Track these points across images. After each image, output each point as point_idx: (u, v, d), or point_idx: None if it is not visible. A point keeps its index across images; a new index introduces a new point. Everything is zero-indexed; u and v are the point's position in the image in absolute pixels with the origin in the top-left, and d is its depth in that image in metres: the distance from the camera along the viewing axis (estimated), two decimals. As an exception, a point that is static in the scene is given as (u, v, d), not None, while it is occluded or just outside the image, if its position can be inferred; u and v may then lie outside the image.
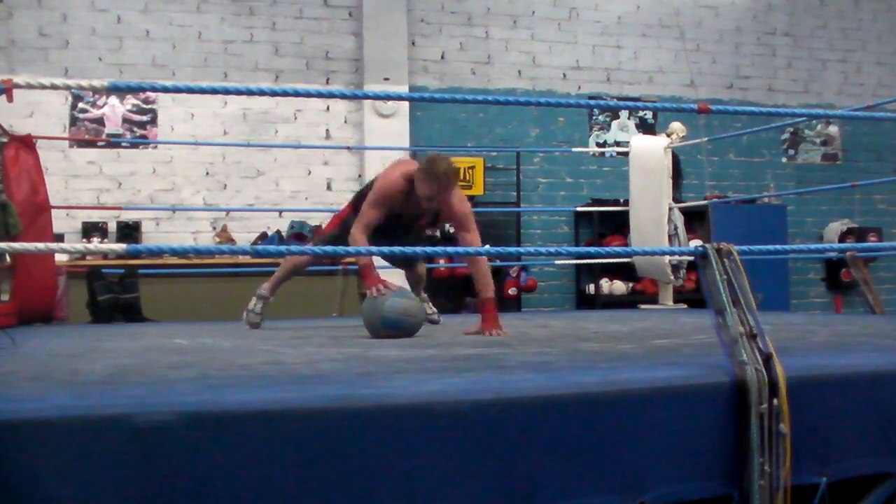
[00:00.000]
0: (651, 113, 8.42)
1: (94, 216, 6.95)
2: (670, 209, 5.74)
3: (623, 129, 8.39)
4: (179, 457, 1.58)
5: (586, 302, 7.93)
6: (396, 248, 3.12)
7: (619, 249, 3.99)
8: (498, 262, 7.08)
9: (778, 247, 4.00)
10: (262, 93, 3.65)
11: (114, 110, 7.25)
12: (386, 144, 7.25)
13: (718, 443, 1.95)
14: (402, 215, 3.75)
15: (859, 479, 2.11)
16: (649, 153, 5.84)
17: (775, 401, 1.94)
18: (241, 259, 6.47)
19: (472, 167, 7.55)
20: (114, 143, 7.19)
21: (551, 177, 8.21)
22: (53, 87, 2.53)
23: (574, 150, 7.62)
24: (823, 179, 8.69)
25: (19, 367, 2.36)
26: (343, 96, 6.05)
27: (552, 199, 8.16)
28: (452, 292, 7.26)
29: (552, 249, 3.06)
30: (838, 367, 2.18)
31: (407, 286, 4.03)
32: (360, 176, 7.62)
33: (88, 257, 6.14)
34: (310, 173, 7.59)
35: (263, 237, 7.19)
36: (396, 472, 1.70)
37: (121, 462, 1.55)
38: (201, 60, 7.37)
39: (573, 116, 8.32)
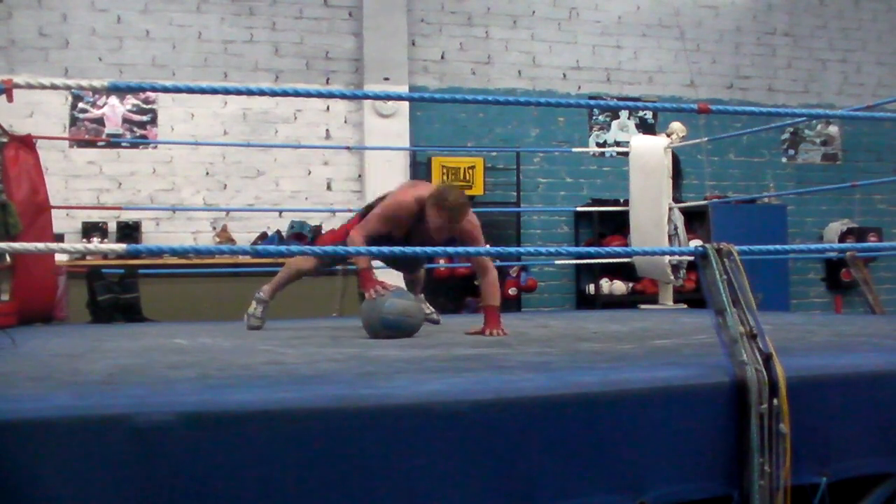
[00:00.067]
0: (651, 113, 8.41)
1: (94, 216, 6.95)
2: (670, 209, 5.74)
3: (623, 129, 8.39)
4: (179, 457, 1.58)
5: (586, 302, 7.93)
6: (396, 248, 3.12)
7: (619, 249, 3.99)
8: (498, 262, 7.08)
9: (778, 247, 4.00)
10: (262, 93, 3.64)
11: (114, 110, 7.25)
12: (386, 144, 7.26)
13: (718, 443, 1.95)
14: (413, 239, 3.75)
15: (859, 479, 2.11)
16: (649, 153, 5.84)
17: (775, 401, 1.94)
18: (241, 259, 6.47)
19: (472, 167, 7.55)
20: (114, 143, 7.18)
21: (551, 177, 8.21)
22: (53, 87, 2.53)
23: (574, 150, 7.62)
24: (823, 179, 8.68)
25: (19, 367, 2.36)
26: (343, 96, 6.04)
27: (552, 199, 8.16)
28: (452, 292, 7.26)
29: (552, 249, 3.06)
30: (838, 367, 2.19)
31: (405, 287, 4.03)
32: (360, 176, 7.63)
33: (88, 257, 6.14)
34: (310, 173, 7.59)
35: (263, 237, 7.19)
36: (396, 472, 1.70)
37: (121, 462, 1.55)
38: (201, 60, 7.37)
39: (573, 116, 8.32)
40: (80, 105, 7.17)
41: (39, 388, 1.88)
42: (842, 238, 8.48)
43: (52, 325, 4.70)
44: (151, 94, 7.25)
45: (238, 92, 3.43)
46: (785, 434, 1.92)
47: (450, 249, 2.87)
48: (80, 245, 2.35)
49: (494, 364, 2.26)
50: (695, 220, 7.31)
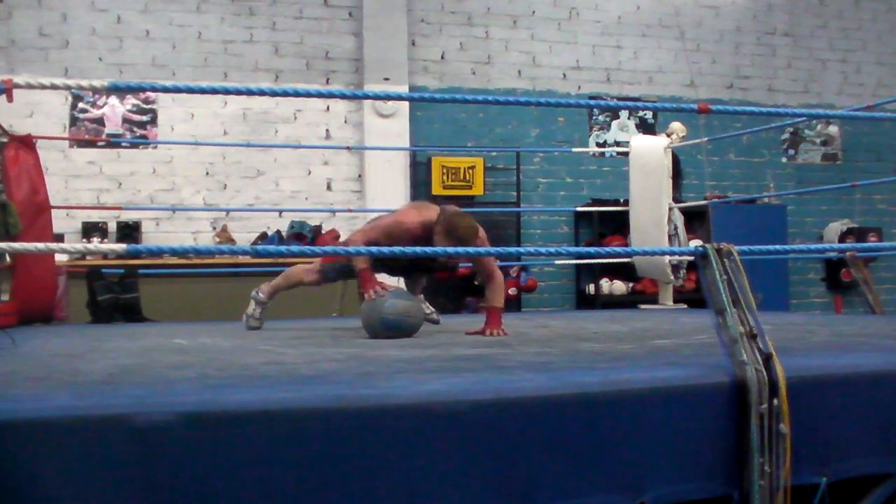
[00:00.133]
0: (651, 113, 8.41)
1: (94, 216, 6.94)
2: (670, 209, 5.74)
3: (623, 129, 8.39)
4: (179, 457, 1.58)
5: (586, 302, 7.93)
6: (397, 249, 3.11)
7: (619, 249, 4.00)
8: (498, 263, 7.08)
9: (778, 247, 4.00)
10: (262, 93, 3.64)
11: (114, 110, 7.25)
12: (386, 144, 7.26)
13: (718, 443, 1.95)
14: (420, 259, 3.74)
15: (859, 479, 2.11)
16: (649, 153, 5.84)
17: (775, 401, 1.94)
18: (241, 259, 6.46)
19: (472, 167, 7.55)
20: (114, 143, 7.18)
21: (551, 177, 8.21)
22: (53, 87, 2.53)
23: (574, 150, 7.62)
24: (823, 179, 8.68)
25: (19, 367, 2.36)
26: (343, 96, 6.04)
27: (552, 199, 8.16)
28: (452, 292, 7.26)
29: (552, 249, 3.05)
30: (838, 367, 2.19)
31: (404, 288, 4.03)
32: (360, 176, 7.63)
33: (88, 257, 6.14)
34: (310, 173, 7.59)
35: (263, 237, 7.19)
36: (396, 472, 1.70)
37: (121, 462, 1.55)
38: (201, 60, 7.37)
39: (573, 116, 8.32)
40: (80, 105, 7.17)
41: (39, 388, 1.88)
42: (842, 238, 8.48)
43: (52, 325, 4.70)
44: (151, 94, 7.25)
45: (238, 92, 3.42)
46: (785, 434, 1.92)
47: (450, 250, 2.88)
48: (80, 245, 2.35)
49: (494, 364, 2.26)
50: (695, 220, 7.31)
